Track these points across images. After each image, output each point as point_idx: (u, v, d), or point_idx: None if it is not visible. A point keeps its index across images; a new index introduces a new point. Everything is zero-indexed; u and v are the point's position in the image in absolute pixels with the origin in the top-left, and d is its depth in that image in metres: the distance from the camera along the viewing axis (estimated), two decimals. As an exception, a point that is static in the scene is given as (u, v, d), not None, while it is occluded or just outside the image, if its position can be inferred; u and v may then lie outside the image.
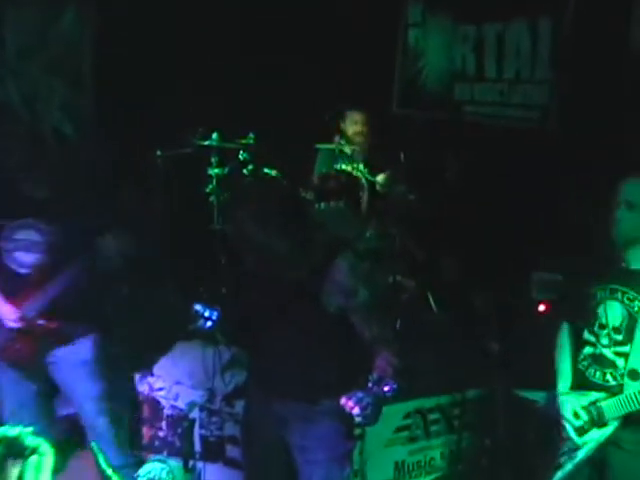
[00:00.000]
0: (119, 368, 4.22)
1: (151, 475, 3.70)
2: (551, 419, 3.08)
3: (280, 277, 2.80)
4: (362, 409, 2.63)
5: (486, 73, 5.99)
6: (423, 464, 4.27)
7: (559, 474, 3.05)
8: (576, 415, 2.97)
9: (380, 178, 5.59)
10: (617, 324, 2.91)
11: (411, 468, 4.24)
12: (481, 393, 4.32)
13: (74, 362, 3.34)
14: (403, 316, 4.68)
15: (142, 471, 3.73)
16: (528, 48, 5.63)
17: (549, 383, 3.15)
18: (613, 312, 2.92)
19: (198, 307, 3.02)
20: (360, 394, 2.65)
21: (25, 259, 3.22)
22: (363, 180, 5.51)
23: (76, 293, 3.23)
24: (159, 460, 3.78)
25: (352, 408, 2.63)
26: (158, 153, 5.63)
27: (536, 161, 5.14)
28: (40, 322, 3.22)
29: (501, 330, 4.34)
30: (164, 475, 3.70)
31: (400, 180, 5.46)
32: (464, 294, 4.92)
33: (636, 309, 2.87)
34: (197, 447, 4.09)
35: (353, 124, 5.55)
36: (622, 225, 2.86)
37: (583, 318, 3.03)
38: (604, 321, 2.95)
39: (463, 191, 5.56)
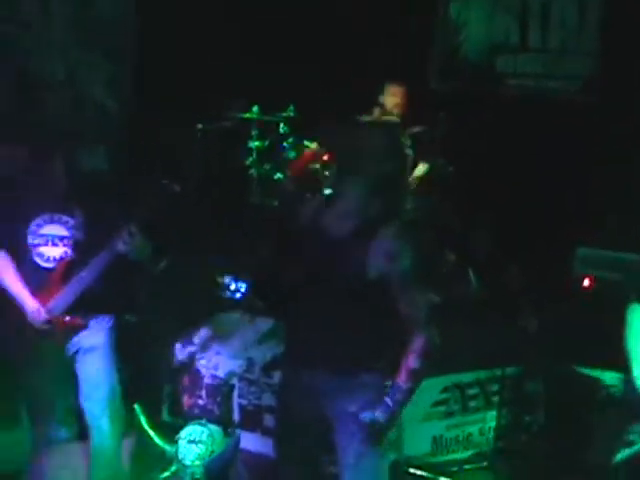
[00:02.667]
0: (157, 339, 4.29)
1: (192, 437, 3.74)
2: (627, 402, 3.06)
3: (326, 243, 2.78)
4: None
5: (530, 44, 5.89)
6: (461, 439, 4.23)
7: (626, 451, 3.01)
8: None
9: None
10: None
11: (448, 443, 4.20)
12: (520, 369, 4.26)
13: (89, 347, 3.31)
14: (443, 289, 4.63)
15: (183, 433, 3.78)
16: (574, 19, 5.52)
17: (612, 362, 3.13)
18: None
19: (227, 280, 3.02)
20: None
21: (51, 253, 3.25)
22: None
23: (99, 286, 3.21)
24: (199, 423, 3.81)
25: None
26: (199, 126, 5.66)
27: (581, 133, 5.04)
28: (67, 319, 3.24)
29: (539, 306, 4.28)
30: (204, 438, 3.73)
31: (440, 152, 5.40)
32: (503, 269, 4.86)
33: None
34: (236, 416, 4.14)
35: (392, 96, 5.51)
36: None
37: None
38: None
39: (504, 164, 5.48)
